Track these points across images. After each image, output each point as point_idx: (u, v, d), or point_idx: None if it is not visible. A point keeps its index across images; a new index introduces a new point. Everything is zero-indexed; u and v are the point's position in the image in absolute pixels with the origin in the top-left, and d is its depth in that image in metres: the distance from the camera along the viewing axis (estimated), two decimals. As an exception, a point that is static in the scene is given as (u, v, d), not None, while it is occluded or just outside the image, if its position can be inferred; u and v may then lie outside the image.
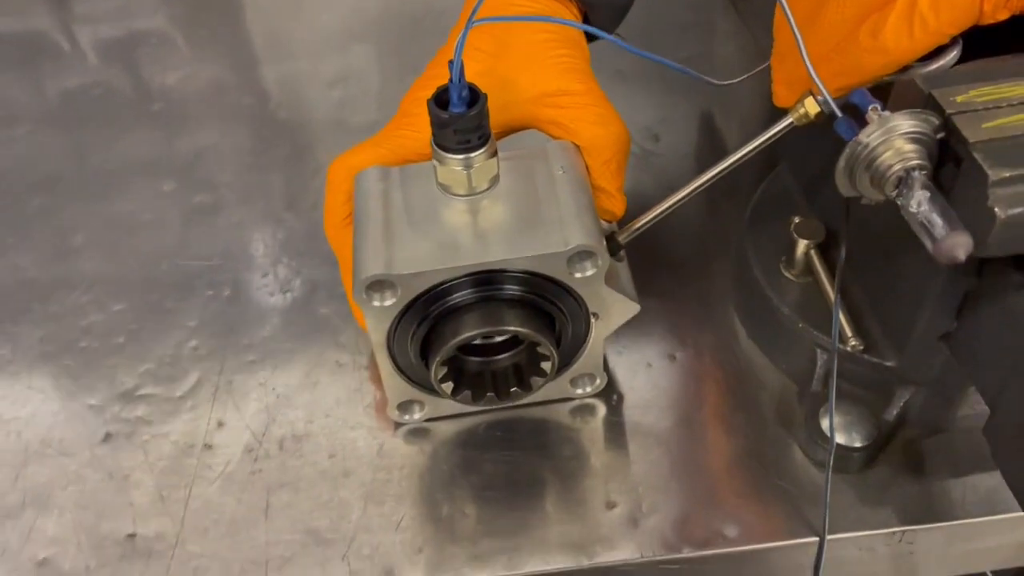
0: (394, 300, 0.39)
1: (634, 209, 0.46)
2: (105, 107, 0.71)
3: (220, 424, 0.48)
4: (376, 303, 0.39)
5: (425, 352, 0.42)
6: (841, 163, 0.31)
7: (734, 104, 0.66)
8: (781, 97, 0.41)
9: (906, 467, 0.44)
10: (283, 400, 0.49)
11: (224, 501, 0.45)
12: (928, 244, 0.27)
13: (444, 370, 0.42)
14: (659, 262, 0.54)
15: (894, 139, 0.29)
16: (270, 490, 0.45)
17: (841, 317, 0.43)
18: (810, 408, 0.44)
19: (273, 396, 0.49)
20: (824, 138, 0.39)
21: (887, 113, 0.30)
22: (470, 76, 0.43)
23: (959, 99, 0.29)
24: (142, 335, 0.53)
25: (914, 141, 0.29)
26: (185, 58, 0.75)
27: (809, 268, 0.46)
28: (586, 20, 0.49)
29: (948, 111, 0.29)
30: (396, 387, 0.44)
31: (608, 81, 0.69)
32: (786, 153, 0.51)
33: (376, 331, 0.41)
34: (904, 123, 0.29)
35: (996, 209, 0.27)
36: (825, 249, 0.46)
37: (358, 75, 0.72)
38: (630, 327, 0.50)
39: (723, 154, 0.65)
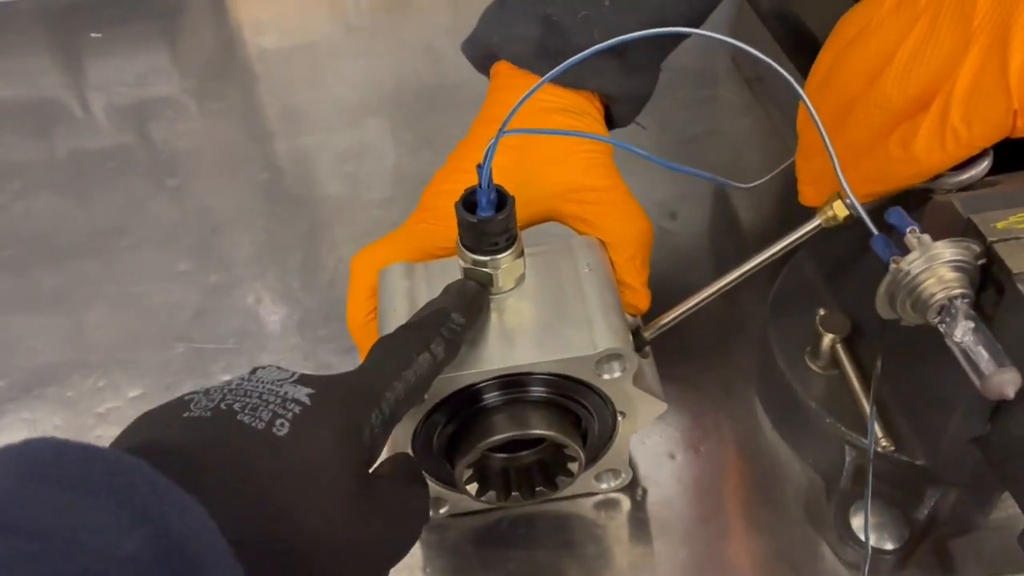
0: (421, 404, 0.39)
1: (654, 287, 0.45)
2: (120, 179, 0.71)
3: (237, 519, 0.47)
4: (402, 407, 0.39)
5: (450, 454, 0.41)
6: (882, 289, 0.31)
7: (747, 178, 0.66)
8: (808, 196, 0.41)
9: (937, 568, 0.43)
10: (301, 493, 0.48)
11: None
12: (975, 379, 0.27)
13: (470, 472, 0.41)
14: (680, 349, 0.53)
15: (937, 267, 0.29)
16: (289, 591, 0.44)
17: (869, 416, 0.42)
18: (839, 507, 0.43)
19: (291, 489, 0.48)
20: (847, 230, 0.39)
21: (927, 238, 0.30)
22: (496, 170, 0.43)
23: (999, 225, 0.29)
24: (157, 422, 0.52)
25: (957, 269, 0.29)
26: (197, 128, 0.76)
27: (835, 361, 0.45)
28: (608, 112, 0.49)
29: (990, 239, 0.29)
30: (419, 486, 0.44)
31: (624, 158, 0.70)
32: (807, 241, 0.51)
33: (402, 433, 0.40)
34: (947, 251, 0.29)
35: (1043, 342, 0.27)
36: (851, 341, 0.46)
37: (372, 149, 0.72)
38: (653, 416, 0.50)
39: (739, 233, 0.65)
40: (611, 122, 0.50)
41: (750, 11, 0.62)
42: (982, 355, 0.27)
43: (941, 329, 0.29)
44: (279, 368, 0.32)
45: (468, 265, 0.40)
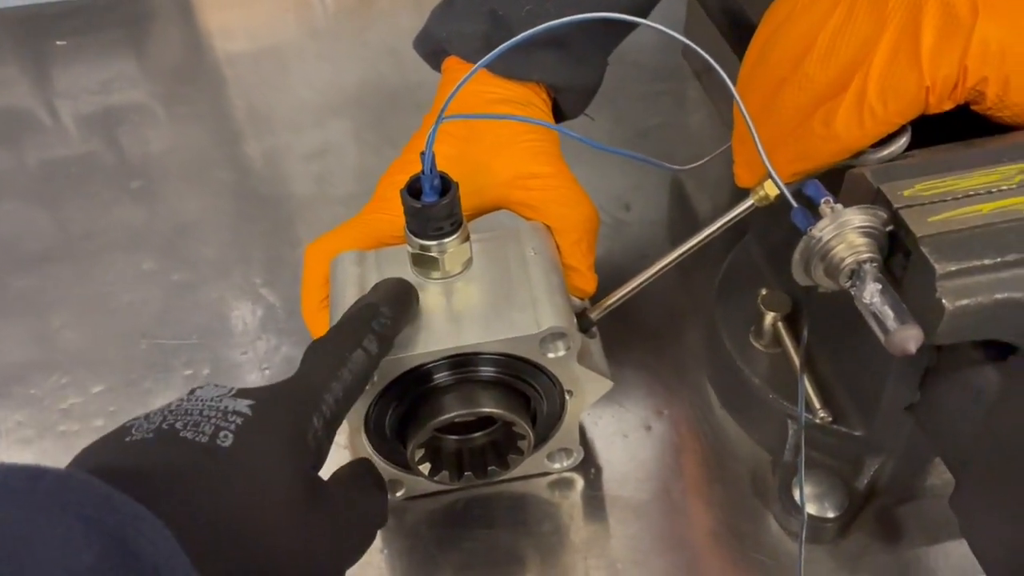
0: (370, 385, 0.40)
1: (607, 278, 0.47)
2: (86, 183, 0.72)
3: (199, 507, 0.48)
4: (352, 389, 0.40)
5: (402, 435, 0.42)
6: (796, 255, 0.32)
7: (704, 173, 0.67)
8: (742, 178, 0.43)
9: (879, 535, 0.44)
10: (262, 481, 0.49)
11: (202, 587, 0.44)
12: (880, 336, 0.28)
13: (422, 452, 0.42)
14: (633, 332, 0.55)
15: (846, 233, 0.30)
16: (249, 575, 0.45)
17: (809, 389, 0.44)
18: (783, 479, 0.44)
19: (252, 477, 0.49)
20: (786, 212, 0.40)
21: (839, 207, 0.31)
22: (443, 160, 0.44)
23: (906, 193, 0.31)
24: (120, 416, 0.52)
25: (865, 235, 0.31)
26: (165, 132, 0.77)
27: (777, 339, 0.47)
28: (555, 104, 0.51)
29: (896, 205, 0.31)
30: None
31: (580, 152, 0.71)
32: (752, 224, 0.53)
33: (353, 414, 0.41)
34: (855, 217, 0.30)
35: (944, 301, 0.28)
36: (792, 320, 0.47)
37: (336, 149, 0.73)
38: (606, 398, 0.51)
39: (694, 222, 0.66)
40: (560, 114, 0.52)
41: (696, 5, 0.63)
42: (888, 314, 0.28)
43: (852, 293, 0.30)
44: (216, 385, 0.32)
45: (415, 250, 0.41)
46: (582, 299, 0.47)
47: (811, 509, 0.43)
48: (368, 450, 0.43)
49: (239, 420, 0.29)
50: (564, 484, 0.48)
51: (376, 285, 0.39)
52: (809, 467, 0.44)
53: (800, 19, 0.39)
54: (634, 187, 0.66)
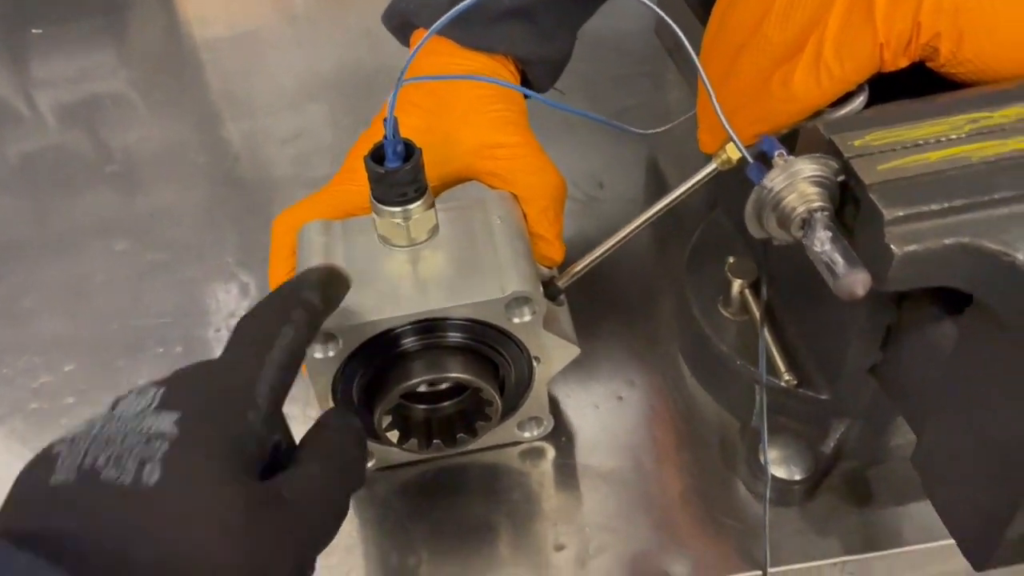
0: (336, 351, 0.40)
1: (579, 254, 0.47)
2: (63, 169, 0.72)
3: (170, 481, 0.48)
4: (319, 355, 0.40)
5: (369, 401, 0.42)
6: (749, 207, 0.32)
7: (679, 150, 0.68)
8: (706, 144, 0.43)
9: (847, 498, 0.45)
10: (233, 455, 0.49)
11: (173, 559, 0.44)
12: (830, 282, 0.29)
13: (389, 419, 0.42)
14: (606, 305, 0.55)
15: (797, 183, 0.31)
16: (219, 546, 0.45)
17: (775, 353, 0.44)
18: (750, 444, 0.45)
19: (223, 451, 0.49)
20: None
21: (792, 158, 0.31)
22: (411, 132, 0.44)
23: (857, 143, 0.31)
24: (91, 395, 0.53)
25: (816, 184, 0.31)
26: (143, 119, 0.77)
27: (745, 306, 0.47)
28: (524, 78, 0.51)
29: (846, 155, 0.31)
30: (343, 437, 0.45)
31: (555, 130, 0.71)
32: (722, 195, 0.53)
33: (319, 382, 0.41)
34: (806, 167, 0.31)
35: (892, 246, 0.28)
36: (760, 288, 0.47)
37: (313, 132, 0.73)
38: (577, 369, 0.51)
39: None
40: (529, 87, 0.52)
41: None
42: (837, 260, 0.28)
43: (804, 243, 0.30)
44: (138, 393, 0.29)
45: (381, 217, 0.41)
46: (550, 267, 0.47)
47: (778, 472, 0.43)
48: (336, 418, 0.43)
49: (164, 447, 0.27)
50: (535, 453, 0.48)
51: (305, 271, 0.37)
52: (776, 431, 0.45)
53: (759, -17, 0.40)
54: (607, 165, 0.66)
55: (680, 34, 0.35)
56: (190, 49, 0.88)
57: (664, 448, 0.48)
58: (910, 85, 0.37)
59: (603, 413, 0.50)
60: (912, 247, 0.28)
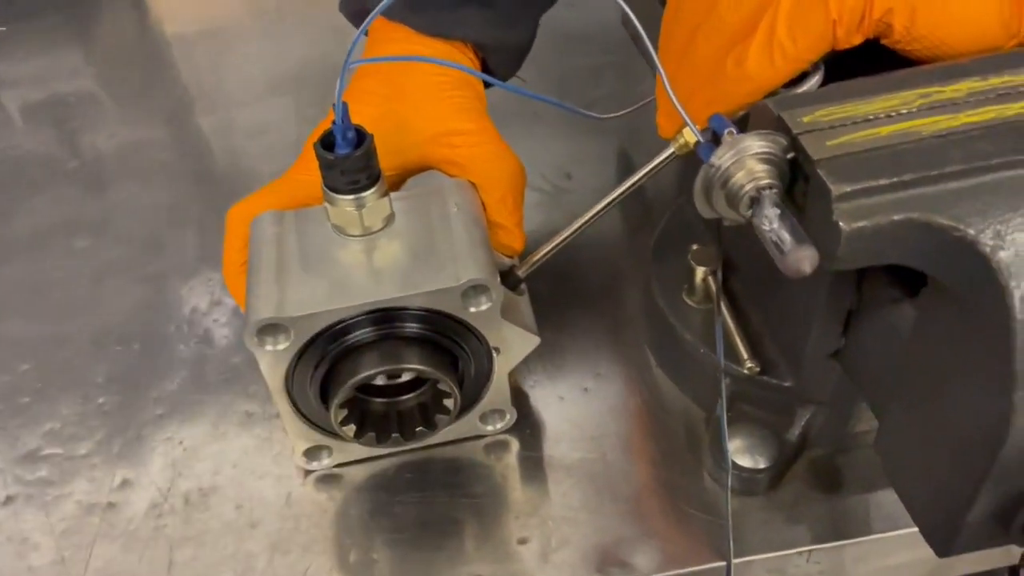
0: (288, 343, 0.39)
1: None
2: (26, 169, 0.71)
3: (125, 481, 0.47)
4: (270, 347, 0.39)
5: (325, 395, 0.41)
6: (697, 185, 0.32)
7: (649, 140, 0.67)
8: (664, 128, 0.42)
9: (812, 487, 0.44)
10: (190, 453, 0.48)
11: (126, 559, 0.43)
12: (777, 259, 0.28)
13: (344, 412, 0.41)
14: (572, 295, 0.55)
15: (745, 160, 0.30)
16: (174, 546, 0.44)
17: (737, 340, 0.43)
18: (714, 434, 0.44)
19: (180, 450, 0.48)
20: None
21: (740, 135, 0.31)
22: (365, 120, 0.43)
23: (806, 119, 0.31)
24: (48, 394, 0.52)
25: (765, 161, 0.30)
26: (109, 117, 0.76)
27: (709, 295, 0.47)
28: (485, 65, 0.50)
29: (795, 131, 0.30)
30: (300, 433, 0.44)
31: (524, 121, 0.70)
32: (687, 183, 0.52)
33: (273, 376, 0.40)
34: (754, 144, 0.30)
35: (840, 223, 0.28)
36: (724, 274, 0.47)
37: (278, 126, 0.72)
38: (542, 360, 0.51)
39: (636, 189, 0.66)
40: (490, 75, 0.51)
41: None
42: (785, 238, 0.28)
43: (753, 222, 0.30)
44: None
45: (333, 206, 0.40)
46: (510, 256, 0.46)
47: (743, 461, 0.43)
48: (291, 414, 0.43)
49: None
50: (499, 446, 0.47)
51: None
52: (741, 420, 0.44)
53: (714, -38, 0.39)
54: (576, 155, 0.66)
55: (632, 16, 0.34)
56: (157, 45, 0.87)
57: (630, 439, 0.47)
58: (866, 65, 0.36)
59: (568, 405, 0.49)
60: (861, 223, 0.27)
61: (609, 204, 0.42)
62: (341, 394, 0.40)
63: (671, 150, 0.40)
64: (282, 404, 0.42)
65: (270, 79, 0.77)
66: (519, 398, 0.49)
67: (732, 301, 0.46)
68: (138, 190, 0.67)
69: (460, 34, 0.47)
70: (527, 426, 0.48)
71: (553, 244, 0.44)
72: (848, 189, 0.28)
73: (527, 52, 0.52)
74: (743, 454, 0.43)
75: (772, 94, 0.36)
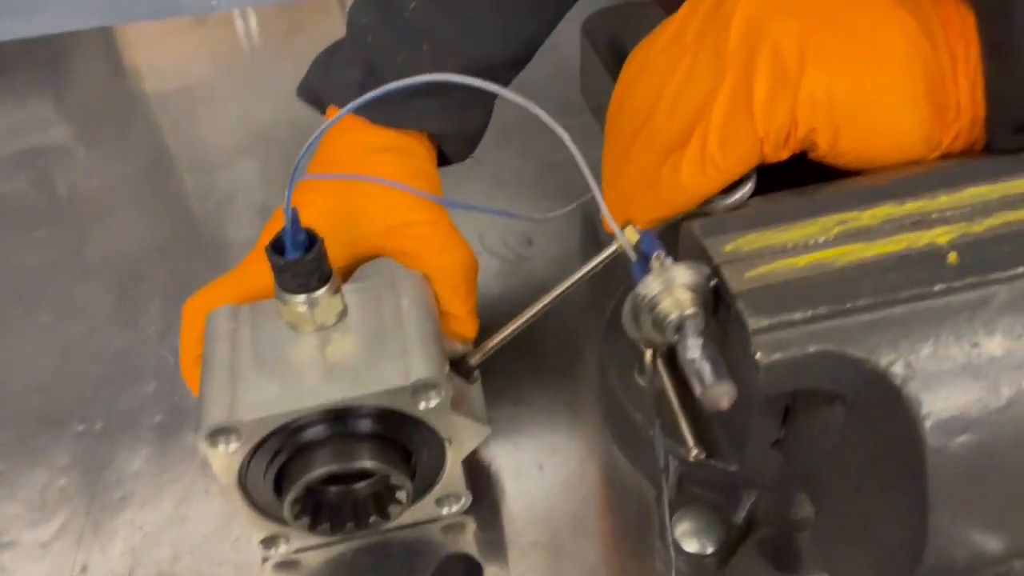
0: (239, 445, 0.40)
1: (506, 316, 0.46)
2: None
3: (84, 569, 0.47)
4: (221, 448, 0.40)
5: (279, 489, 0.42)
6: (626, 309, 0.33)
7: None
8: (608, 225, 0.43)
9: (761, 568, 0.45)
10: (150, 539, 0.48)
11: (84, 652, 0.44)
12: (697, 391, 0.29)
13: (298, 507, 0.42)
14: (529, 369, 0.55)
15: (673, 288, 0.31)
16: (132, 637, 0.44)
17: (683, 425, 0.45)
18: (662, 517, 0.45)
19: (140, 535, 0.48)
20: (672, 245, 0.41)
21: (668, 261, 0.32)
22: (319, 213, 0.45)
23: (727, 248, 0.32)
24: (10, 477, 0.52)
25: (691, 290, 0.31)
26: (77, 175, 0.76)
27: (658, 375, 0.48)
28: (440, 150, 0.51)
29: (716, 260, 0.31)
30: (256, 524, 0.45)
31: (487, 186, 0.72)
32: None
33: (226, 474, 0.41)
34: (681, 274, 0.31)
35: (758, 356, 0.29)
36: (673, 356, 0.48)
37: (246, 190, 0.73)
38: (499, 437, 0.52)
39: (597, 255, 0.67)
40: (446, 159, 0.52)
41: (587, 41, 0.64)
42: (705, 370, 0.29)
43: (677, 349, 0.31)
44: None
45: (286, 305, 0.41)
46: (463, 343, 0.47)
47: (689, 546, 0.44)
48: (244, 510, 0.43)
49: None
50: (456, 528, 0.48)
51: None
52: (689, 503, 0.45)
53: (651, 70, 0.40)
54: (536, 225, 0.67)
55: (580, 158, 0.35)
56: (129, 102, 0.87)
57: (582, 519, 0.48)
58: (799, 170, 0.38)
59: (524, 482, 0.50)
60: (777, 355, 0.29)
61: (549, 303, 0.43)
62: (294, 491, 0.41)
63: (613, 248, 0.41)
64: (235, 500, 0.42)
65: (236, 141, 0.78)
66: (476, 474, 0.50)
67: (679, 383, 0.47)
68: (101, 259, 0.67)
69: (415, 124, 0.48)
70: (483, 507, 0.49)
71: (503, 335, 0.45)
72: (765, 323, 0.29)
73: (482, 135, 0.53)
74: (690, 538, 0.44)
75: (707, 202, 0.38)
